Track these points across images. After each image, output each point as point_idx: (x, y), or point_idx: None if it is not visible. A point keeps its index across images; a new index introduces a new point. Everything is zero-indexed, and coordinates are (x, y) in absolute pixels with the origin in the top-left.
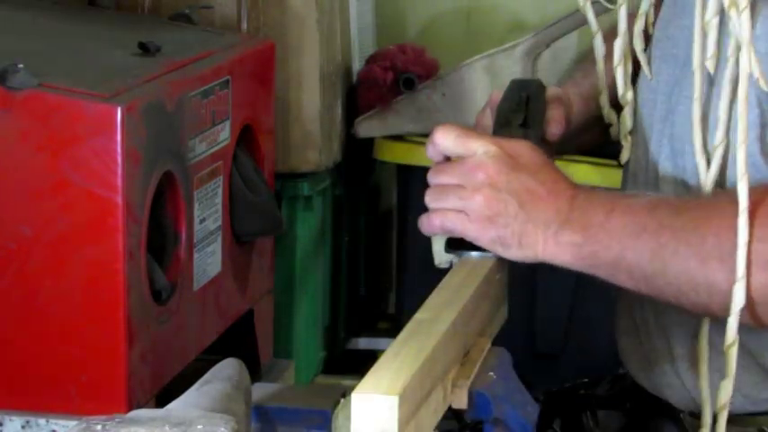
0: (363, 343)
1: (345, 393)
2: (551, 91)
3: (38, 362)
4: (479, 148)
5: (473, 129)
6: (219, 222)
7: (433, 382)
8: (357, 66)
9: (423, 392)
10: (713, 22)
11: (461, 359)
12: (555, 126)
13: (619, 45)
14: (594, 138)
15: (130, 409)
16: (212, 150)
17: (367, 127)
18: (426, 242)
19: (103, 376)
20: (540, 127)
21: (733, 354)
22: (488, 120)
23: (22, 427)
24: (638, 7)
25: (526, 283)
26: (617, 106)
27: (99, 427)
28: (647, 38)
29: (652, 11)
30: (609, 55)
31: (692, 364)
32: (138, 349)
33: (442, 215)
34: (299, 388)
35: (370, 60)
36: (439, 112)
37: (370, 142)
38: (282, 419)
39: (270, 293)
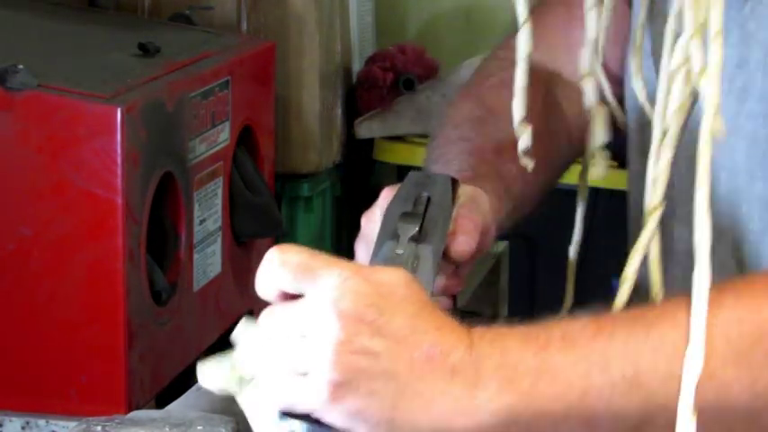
0: None
1: None
2: (464, 191)
3: (38, 363)
4: (332, 279)
5: (320, 253)
6: (219, 223)
7: None
8: (357, 66)
9: None
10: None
11: None
12: (464, 241)
13: (588, 54)
14: (508, 224)
15: (130, 409)
16: (212, 151)
17: (367, 128)
18: None
19: (103, 377)
20: (440, 242)
21: None
22: (376, 228)
23: (22, 427)
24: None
25: (526, 284)
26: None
27: (99, 428)
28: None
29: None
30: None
31: None
32: (138, 350)
33: (277, 383)
34: None
35: (370, 61)
36: (439, 113)
37: (370, 143)
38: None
39: None
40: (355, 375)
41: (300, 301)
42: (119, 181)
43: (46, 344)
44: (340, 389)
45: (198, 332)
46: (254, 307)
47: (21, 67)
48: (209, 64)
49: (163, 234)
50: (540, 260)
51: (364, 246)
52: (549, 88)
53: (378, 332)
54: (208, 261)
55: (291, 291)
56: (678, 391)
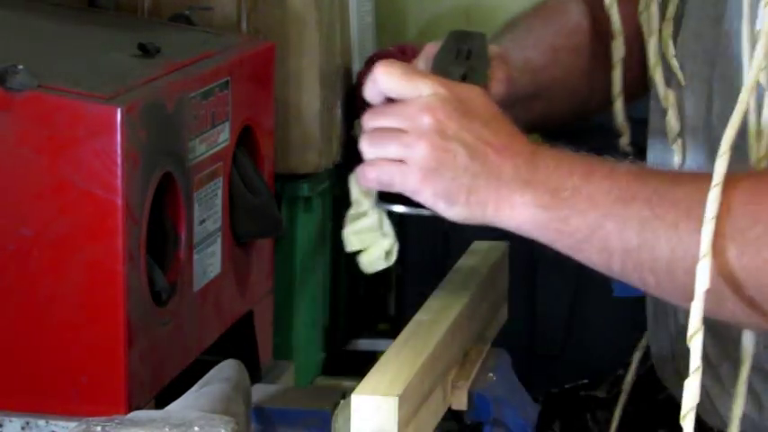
0: (363, 344)
1: (345, 394)
2: (493, 49)
3: (37, 363)
4: (426, 88)
5: (416, 68)
6: (219, 223)
7: (433, 383)
8: (357, 66)
9: (422, 393)
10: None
11: (461, 360)
12: (498, 85)
13: (653, 45)
14: (528, 115)
15: (130, 410)
16: (212, 151)
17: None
18: (427, 244)
19: (103, 377)
20: (483, 83)
21: (697, 344)
22: None
23: (22, 428)
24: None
25: (526, 284)
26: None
27: (99, 428)
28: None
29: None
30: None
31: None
32: (138, 350)
33: (379, 166)
34: (299, 389)
35: (371, 61)
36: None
37: None
38: (282, 421)
39: (270, 294)
40: (442, 162)
41: (400, 103)
42: (118, 181)
43: (46, 344)
44: (429, 173)
45: (198, 332)
46: (255, 308)
47: (20, 67)
48: (208, 64)
49: (163, 234)
50: (541, 260)
51: None
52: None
53: (461, 130)
54: (208, 261)
55: (394, 94)
56: (679, 242)
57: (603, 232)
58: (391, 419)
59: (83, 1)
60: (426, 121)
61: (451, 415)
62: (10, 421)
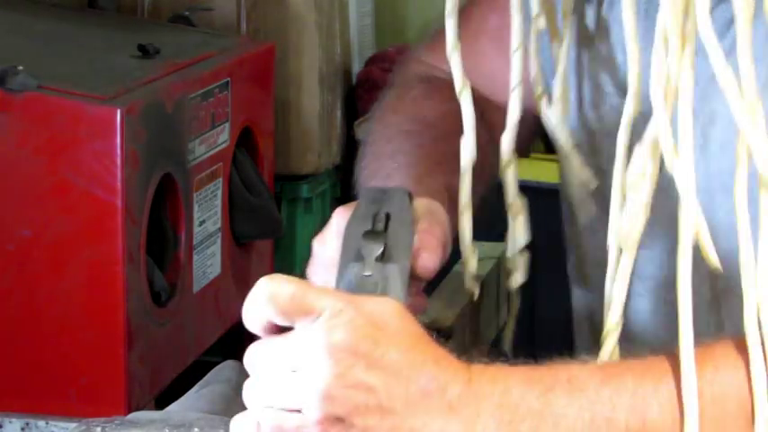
0: None
1: None
2: (420, 204)
3: (37, 364)
4: (324, 311)
5: (311, 283)
6: (219, 224)
7: None
8: (357, 67)
9: None
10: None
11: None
12: (428, 258)
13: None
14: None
15: (130, 411)
16: (212, 152)
17: (366, 129)
18: None
19: (103, 378)
20: (406, 259)
21: None
22: (332, 251)
23: (22, 429)
24: None
25: (526, 284)
26: None
27: (98, 429)
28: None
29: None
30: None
31: None
32: (138, 351)
33: (265, 417)
34: None
35: (370, 62)
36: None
37: None
38: None
39: None
40: (350, 411)
41: (291, 334)
42: (118, 182)
43: (46, 344)
44: (334, 425)
45: (197, 333)
46: None
47: (20, 68)
48: (208, 65)
49: (162, 235)
50: (540, 262)
51: (322, 270)
52: (483, 114)
53: (373, 365)
54: (207, 262)
55: (281, 323)
56: None
57: None
58: None
59: (83, 1)
60: (325, 354)
61: None
62: (10, 422)
